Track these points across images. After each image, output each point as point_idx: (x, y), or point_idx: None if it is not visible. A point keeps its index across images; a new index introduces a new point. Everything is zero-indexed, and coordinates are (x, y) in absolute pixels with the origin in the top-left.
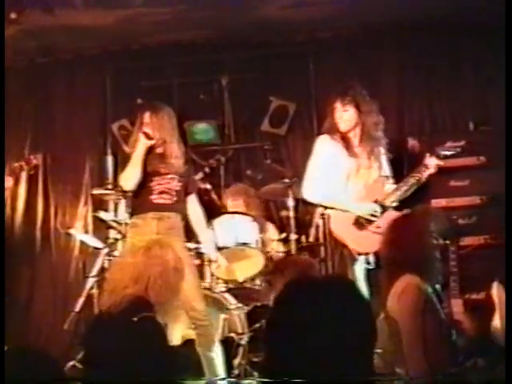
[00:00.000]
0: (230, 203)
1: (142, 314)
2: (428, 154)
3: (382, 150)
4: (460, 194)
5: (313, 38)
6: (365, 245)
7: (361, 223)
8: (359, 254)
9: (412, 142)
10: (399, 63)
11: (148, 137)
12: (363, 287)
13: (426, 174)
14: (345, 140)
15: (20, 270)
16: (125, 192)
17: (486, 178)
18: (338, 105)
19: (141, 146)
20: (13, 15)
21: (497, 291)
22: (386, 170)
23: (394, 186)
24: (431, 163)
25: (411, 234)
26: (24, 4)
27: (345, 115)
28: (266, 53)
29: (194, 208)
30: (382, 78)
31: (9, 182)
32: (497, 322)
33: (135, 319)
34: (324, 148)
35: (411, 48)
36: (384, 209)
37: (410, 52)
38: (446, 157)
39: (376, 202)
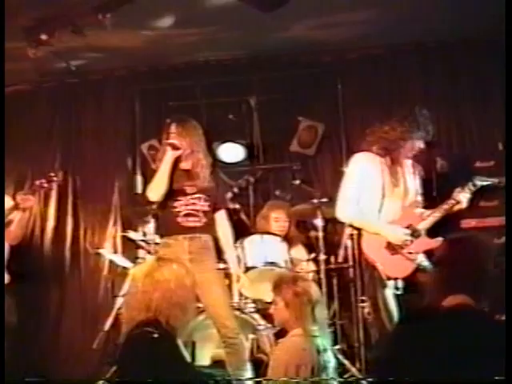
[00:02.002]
0: (273, 215)
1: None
2: (459, 188)
3: (418, 172)
4: (489, 214)
5: (340, 59)
6: (395, 269)
7: (393, 247)
8: (389, 279)
9: (441, 163)
10: (426, 83)
11: (174, 147)
12: (394, 311)
13: (457, 206)
14: (389, 157)
15: (50, 289)
16: (153, 208)
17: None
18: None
19: (167, 157)
20: (43, 36)
21: None
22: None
23: (428, 211)
24: (462, 198)
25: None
26: (54, 26)
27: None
28: (295, 73)
29: (222, 224)
30: (409, 98)
31: (30, 200)
32: None
33: (155, 335)
34: (359, 166)
35: (438, 68)
36: (417, 234)
37: (437, 72)
38: (478, 187)
39: (409, 226)
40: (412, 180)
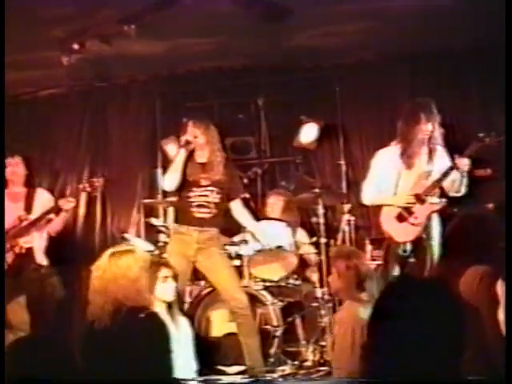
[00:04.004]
0: (272, 200)
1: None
2: (456, 155)
3: (438, 147)
4: (470, 201)
5: (338, 64)
6: (403, 235)
7: (402, 216)
8: (398, 243)
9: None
10: (413, 87)
11: (188, 142)
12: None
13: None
14: (405, 146)
15: (80, 270)
16: (171, 199)
17: (493, 187)
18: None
19: (181, 152)
20: (75, 46)
21: (501, 287)
22: (440, 166)
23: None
24: (462, 162)
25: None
26: (85, 36)
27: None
28: (298, 77)
29: (238, 211)
30: (398, 100)
31: (71, 202)
32: (500, 314)
33: (142, 315)
34: (377, 160)
35: (424, 73)
36: (423, 202)
37: (424, 77)
38: (471, 154)
39: (417, 195)
40: (425, 160)
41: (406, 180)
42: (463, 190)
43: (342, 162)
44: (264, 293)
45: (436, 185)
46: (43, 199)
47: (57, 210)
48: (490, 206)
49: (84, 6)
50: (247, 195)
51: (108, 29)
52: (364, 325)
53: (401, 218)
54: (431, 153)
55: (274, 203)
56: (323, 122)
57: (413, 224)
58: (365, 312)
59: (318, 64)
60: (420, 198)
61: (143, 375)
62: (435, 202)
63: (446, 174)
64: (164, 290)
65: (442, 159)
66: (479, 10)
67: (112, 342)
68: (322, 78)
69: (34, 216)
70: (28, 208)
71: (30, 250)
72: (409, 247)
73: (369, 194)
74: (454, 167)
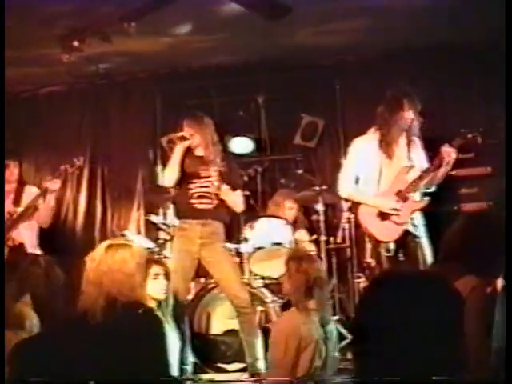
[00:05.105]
0: (288, 204)
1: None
2: (446, 144)
3: (416, 140)
4: (470, 200)
5: (339, 62)
6: (386, 234)
7: (384, 214)
8: (381, 242)
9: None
10: (414, 85)
11: (184, 138)
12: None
13: (444, 162)
14: (384, 134)
15: (81, 267)
16: (171, 194)
17: (493, 186)
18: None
19: (178, 147)
20: (75, 43)
21: (501, 285)
22: (417, 159)
23: (417, 175)
24: (447, 152)
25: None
26: (85, 34)
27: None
28: (298, 75)
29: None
30: None
31: (56, 184)
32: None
33: (140, 311)
34: (355, 149)
35: (425, 72)
36: (405, 199)
37: (425, 75)
38: (459, 146)
39: (399, 192)
40: (405, 151)
41: (387, 174)
42: (433, 187)
43: (343, 160)
44: (264, 290)
45: (418, 182)
46: (31, 194)
47: (42, 193)
48: (487, 204)
49: (84, 4)
50: (247, 192)
51: (108, 26)
52: (301, 337)
53: (383, 216)
54: (409, 144)
55: (285, 204)
56: (323, 120)
57: (396, 222)
58: (305, 324)
59: (319, 62)
60: (402, 196)
61: (138, 371)
62: (418, 199)
63: (427, 171)
64: (154, 288)
65: (419, 153)
66: (479, 7)
67: (104, 336)
68: (322, 76)
69: (21, 208)
70: (16, 201)
71: (22, 245)
72: (392, 246)
73: (345, 186)
74: (433, 164)
